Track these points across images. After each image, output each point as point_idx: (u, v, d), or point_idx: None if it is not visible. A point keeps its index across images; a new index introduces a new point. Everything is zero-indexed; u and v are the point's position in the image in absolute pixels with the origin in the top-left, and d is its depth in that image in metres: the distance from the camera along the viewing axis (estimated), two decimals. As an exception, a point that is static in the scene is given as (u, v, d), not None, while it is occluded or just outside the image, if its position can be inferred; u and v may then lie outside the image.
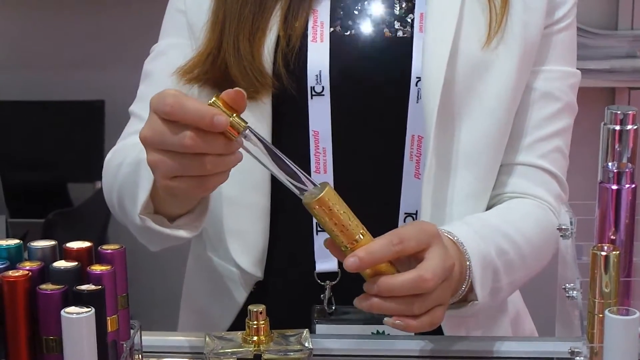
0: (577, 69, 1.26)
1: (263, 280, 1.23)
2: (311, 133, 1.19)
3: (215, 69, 1.19)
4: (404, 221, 1.20)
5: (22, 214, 2.82)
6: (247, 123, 0.94)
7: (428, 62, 1.16)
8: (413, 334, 1.15)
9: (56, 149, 3.06)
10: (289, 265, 1.24)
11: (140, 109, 1.25)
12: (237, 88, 0.94)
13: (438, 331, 1.18)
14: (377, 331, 1.17)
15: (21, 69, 3.20)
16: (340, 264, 1.11)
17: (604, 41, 2.87)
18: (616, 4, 2.91)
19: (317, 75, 1.18)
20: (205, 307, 1.31)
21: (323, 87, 1.18)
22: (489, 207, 1.22)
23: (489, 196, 1.21)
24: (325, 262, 1.20)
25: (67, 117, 3.08)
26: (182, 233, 1.09)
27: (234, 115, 0.94)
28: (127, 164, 1.13)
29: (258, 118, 1.18)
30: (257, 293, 1.24)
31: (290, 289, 1.24)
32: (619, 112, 1.04)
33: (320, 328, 1.18)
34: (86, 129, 3.02)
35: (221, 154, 0.94)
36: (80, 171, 2.99)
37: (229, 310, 1.26)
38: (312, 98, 1.18)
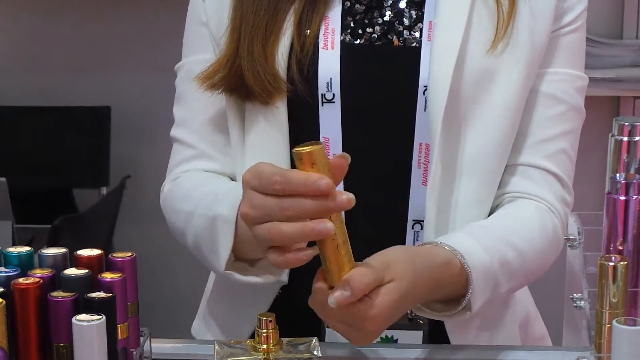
0: (582, 76, 1.26)
1: (287, 285, 1.23)
2: (322, 140, 1.19)
3: (231, 75, 1.19)
4: (412, 228, 1.20)
5: (28, 219, 2.82)
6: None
7: (434, 71, 1.17)
8: (420, 342, 1.16)
9: (62, 155, 3.06)
10: (308, 269, 1.23)
11: (181, 135, 1.28)
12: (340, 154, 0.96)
13: (443, 333, 1.19)
14: (386, 336, 1.17)
15: (27, 74, 3.21)
16: None
17: (609, 50, 2.87)
18: (621, 13, 2.92)
19: (327, 83, 1.18)
20: (227, 314, 1.30)
21: (334, 95, 1.19)
22: (492, 207, 1.22)
23: (492, 199, 1.21)
24: None
25: (73, 122, 3.08)
26: (267, 278, 1.12)
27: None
28: (200, 216, 1.15)
29: (272, 122, 1.19)
30: (281, 298, 1.24)
31: (308, 293, 1.24)
32: (626, 123, 1.04)
33: (330, 333, 1.18)
34: (92, 134, 3.01)
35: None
36: (86, 177, 2.97)
37: (252, 317, 1.26)
38: (322, 105, 1.19)
